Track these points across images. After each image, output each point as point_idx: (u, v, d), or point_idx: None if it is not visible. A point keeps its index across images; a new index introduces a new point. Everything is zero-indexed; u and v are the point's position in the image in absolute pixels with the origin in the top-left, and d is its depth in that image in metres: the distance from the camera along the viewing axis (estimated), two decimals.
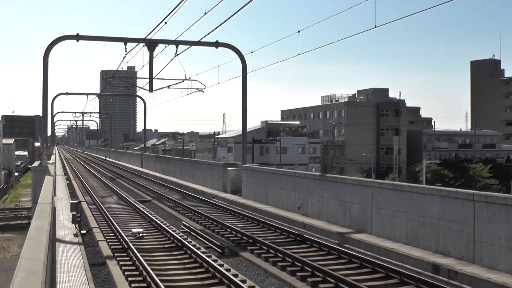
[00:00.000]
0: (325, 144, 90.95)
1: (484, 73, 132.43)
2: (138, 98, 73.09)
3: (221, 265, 13.40)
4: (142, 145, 73.90)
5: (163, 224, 19.48)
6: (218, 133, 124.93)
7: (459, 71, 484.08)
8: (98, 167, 66.38)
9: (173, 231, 18.06)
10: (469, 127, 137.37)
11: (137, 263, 13.56)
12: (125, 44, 29.09)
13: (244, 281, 11.96)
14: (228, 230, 18.52)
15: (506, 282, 10.98)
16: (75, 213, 18.26)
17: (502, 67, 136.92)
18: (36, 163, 34.86)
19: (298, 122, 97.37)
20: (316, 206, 19.96)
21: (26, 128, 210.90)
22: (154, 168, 51.91)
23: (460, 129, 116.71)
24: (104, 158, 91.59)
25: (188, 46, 29.91)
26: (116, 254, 14.90)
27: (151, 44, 29.14)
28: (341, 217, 18.25)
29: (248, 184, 27.26)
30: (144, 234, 17.95)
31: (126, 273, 12.96)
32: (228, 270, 12.90)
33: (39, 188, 22.00)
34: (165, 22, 24.03)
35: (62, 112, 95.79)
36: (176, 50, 28.71)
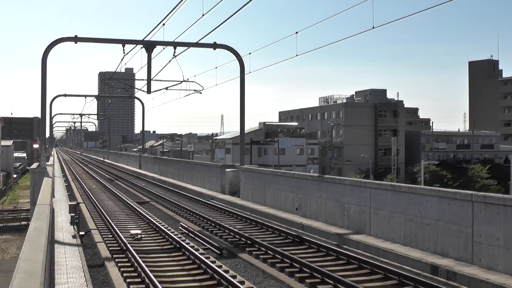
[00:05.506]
0: (323, 145, 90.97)
1: (482, 73, 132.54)
2: (136, 100, 73.04)
3: (220, 266, 13.39)
4: (140, 147, 73.82)
5: (162, 225, 19.47)
6: (216, 135, 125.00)
7: (457, 72, 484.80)
8: (96, 168, 66.33)
9: (171, 232, 18.07)
10: (467, 127, 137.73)
11: (136, 264, 13.55)
12: (123, 46, 29.13)
13: (242, 283, 11.96)
14: (227, 231, 18.52)
15: (505, 283, 10.98)
16: (73, 214, 18.25)
17: (500, 68, 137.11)
18: (34, 165, 34.84)
19: (296, 123, 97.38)
20: (315, 207, 19.97)
21: (24, 130, 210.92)
22: (152, 170, 51.89)
23: (458, 130, 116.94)
24: (102, 159, 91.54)
25: (186, 47, 29.93)
26: (114, 256, 14.89)
27: (149, 46, 29.16)
28: (340, 218, 18.26)
29: (246, 185, 27.25)
30: (143, 236, 17.94)
31: (124, 274, 12.96)
32: (227, 272, 12.89)
33: (38, 190, 21.96)
34: (163, 24, 24.07)
35: (61, 113, 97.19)
36: (174, 52, 28.75)
